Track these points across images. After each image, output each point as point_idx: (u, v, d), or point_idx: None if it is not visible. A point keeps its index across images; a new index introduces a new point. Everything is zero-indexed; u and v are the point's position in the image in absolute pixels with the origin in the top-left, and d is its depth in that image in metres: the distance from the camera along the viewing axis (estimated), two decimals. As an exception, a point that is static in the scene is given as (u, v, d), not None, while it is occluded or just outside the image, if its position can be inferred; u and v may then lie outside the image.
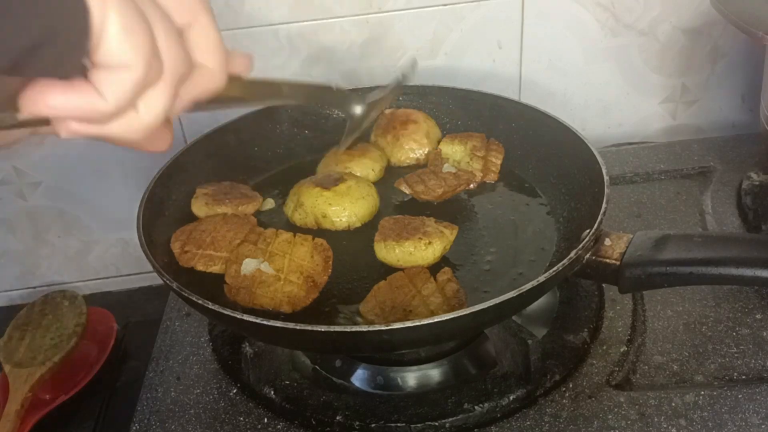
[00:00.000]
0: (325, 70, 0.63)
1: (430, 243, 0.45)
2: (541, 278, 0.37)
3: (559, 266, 0.38)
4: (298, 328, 0.36)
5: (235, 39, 0.60)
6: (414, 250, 0.44)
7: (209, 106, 0.29)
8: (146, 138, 0.25)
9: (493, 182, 0.55)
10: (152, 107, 0.24)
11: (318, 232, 0.49)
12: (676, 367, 0.43)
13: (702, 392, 0.41)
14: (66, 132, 0.24)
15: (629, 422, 0.40)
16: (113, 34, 0.22)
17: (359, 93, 0.43)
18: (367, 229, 0.49)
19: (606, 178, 0.44)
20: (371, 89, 0.46)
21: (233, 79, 0.29)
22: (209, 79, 0.26)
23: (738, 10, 0.53)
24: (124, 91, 0.23)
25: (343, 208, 0.49)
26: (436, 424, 0.40)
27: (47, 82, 0.22)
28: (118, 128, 0.24)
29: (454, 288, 0.42)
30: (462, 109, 0.59)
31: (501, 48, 0.63)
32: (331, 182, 0.50)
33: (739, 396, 0.41)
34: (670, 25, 0.63)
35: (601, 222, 0.41)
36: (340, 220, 0.49)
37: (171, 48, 0.24)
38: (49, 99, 0.22)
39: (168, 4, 0.24)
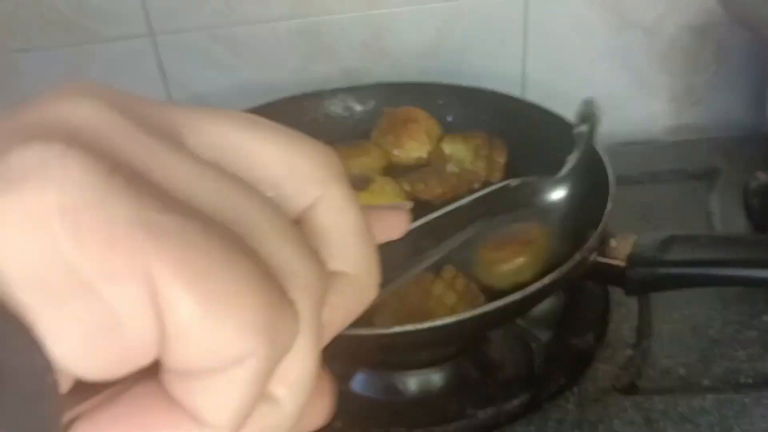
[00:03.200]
0: (325, 68, 0.62)
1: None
2: (546, 280, 0.36)
3: (564, 268, 0.37)
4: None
5: (234, 36, 0.60)
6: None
7: None
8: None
9: (496, 181, 0.54)
10: (297, 385, 0.13)
11: None
12: (682, 370, 0.43)
13: (709, 396, 0.40)
14: None
15: (635, 427, 0.39)
16: (187, 323, 0.11)
17: (545, 178, 0.37)
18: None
19: (611, 178, 0.44)
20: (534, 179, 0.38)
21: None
22: (356, 291, 0.14)
23: (743, 9, 0.52)
24: (243, 397, 0.12)
25: None
26: (438, 429, 0.40)
27: (100, 428, 0.12)
28: None
29: (463, 283, 0.41)
30: (464, 108, 0.59)
31: (504, 46, 0.62)
32: (361, 182, 0.49)
33: (746, 400, 0.40)
34: (675, 24, 0.63)
35: (606, 223, 0.40)
36: None
37: (304, 269, 0.13)
38: None
39: (282, 183, 0.13)
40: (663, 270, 0.39)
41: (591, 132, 0.41)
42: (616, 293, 0.47)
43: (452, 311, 0.39)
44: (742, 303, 0.47)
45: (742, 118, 0.69)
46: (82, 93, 0.12)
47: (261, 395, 0.12)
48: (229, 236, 0.12)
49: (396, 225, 0.17)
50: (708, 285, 0.45)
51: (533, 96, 0.61)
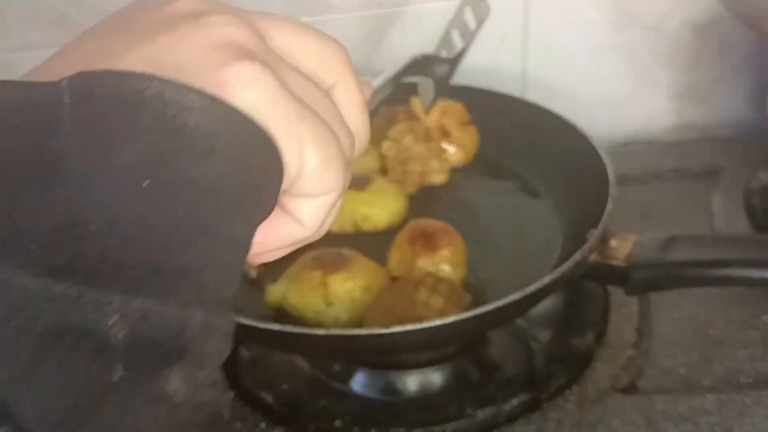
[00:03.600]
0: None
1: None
2: (546, 280, 0.36)
3: (564, 267, 0.37)
4: (295, 331, 0.35)
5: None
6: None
7: None
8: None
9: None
10: (336, 210, 0.22)
11: (355, 235, 0.48)
12: (683, 370, 0.43)
13: (709, 396, 0.41)
14: (258, 261, 0.22)
15: (635, 427, 0.39)
16: (311, 170, 0.19)
17: (444, 57, 0.48)
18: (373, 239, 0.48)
19: (611, 177, 0.44)
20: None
21: None
22: (358, 142, 0.22)
23: (745, 6, 0.52)
24: (324, 213, 0.21)
25: (383, 207, 0.48)
26: (438, 429, 0.40)
27: None
28: (305, 242, 0.22)
29: (447, 285, 0.41)
30: (464, 107, 0.58)
31: (504, 43, 0.62)
32: (362, 182, 0.49)
33: (747, 400, 0.40)
34: (678, 21, 0.63)
35: (606, 222, 0.40)
36: (381, 219, 0.48)
37: (344, 136, 0.21)
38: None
39: (317, 69, 0.21)
40: (663, 270, 0.39)
41: (479, 23, 0.49)
42: (617, 293, 0.47)
43: (442, 314, 0.39)
44: (743, 303, 0.47)
45: (745, 116, 0.68)
46: (224, 14, 0.19)
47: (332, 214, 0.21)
48: (324, 120, 0.19)
49: (365, 93, 0.25)
50: (709, 285, 0.44)
51: (534, 94, 0.61)
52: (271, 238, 0.21)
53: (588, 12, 0.62)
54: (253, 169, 0.18)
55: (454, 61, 0.50)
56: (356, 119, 0.22)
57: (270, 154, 0.18)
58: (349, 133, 0.21)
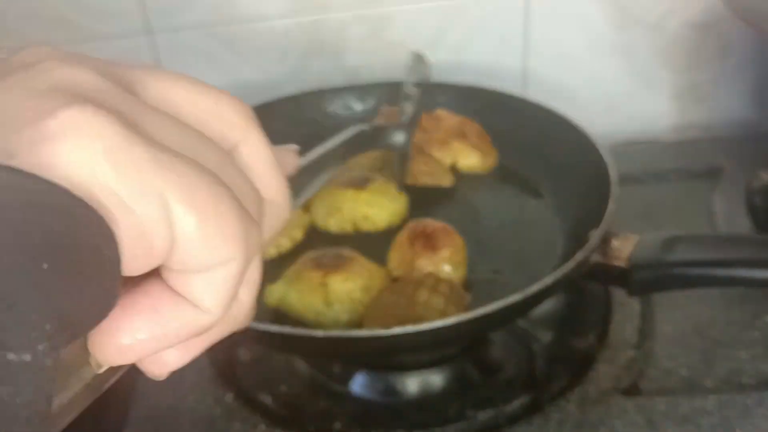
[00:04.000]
0: (325, 66, 0.62)
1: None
2: (547, 280, 0.36)
3: (566, 268, 0.37)
4: (294, 333, 0.35)
5: (232, 34, 0.59)
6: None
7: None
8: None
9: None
10: (252, 284, 0.18)
11: (355, 236, 0.48)
12: (684, 371, 0.42)
13: (711, 397, 0.40)
14: (164, 369, 0.18)
15: (637, 428, 0.39)
16: (189, 234, 0.15)
17: (397, 123, 0.45)
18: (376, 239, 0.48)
19: (614, 177, 0.44)
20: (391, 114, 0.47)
21: None
22: (274, 213, 0.18)
23: (747, 5, 0.52)
24: (227, 291, 0.16)
25: (383, 207, 0.48)
26: (438, 431, 0.39)
27: (116, 318, 0.15)
28: (222, 330, 0.18)
29: (447, 285, 0.41)
30: (464, 106, 0.58)
31: (505, 42, 0.62)
32: (362, 182, 0.49)
33: (749, 401, 0.40)
34: (678, 20, 0.62)
35: (608, 222, 0.40)
36: (381, 219, 0.48)
37: (246, 192, 0.17)
38: (125, 338, 0.16)
39: (209, 127, 0.17)
40: (665, 270, 0.39)
41: (423, 88, 0.49)
42: (618, 294, 0.47)
43: (442, 314, 0.38)
44: (744, 303, 0.47)
45: (746, 116, 0.68)
46: (70, 60, 0.16)
47: (238, 289, 0.16)
48: (209, 171, 0.15)
49: (289, 163, 0.22)
50: (710, 285, 0.44)
51: (534, 93, 0.61)
52: (164, 330, 0.16)
53: (588, 12, 0.61)
54: (49, 259, 0.13)
55: (409, 126, 0.48)
56: (269, 183, 0.18)
57: (82, 230, 0.13)
58: (254, 191, 0.17)
